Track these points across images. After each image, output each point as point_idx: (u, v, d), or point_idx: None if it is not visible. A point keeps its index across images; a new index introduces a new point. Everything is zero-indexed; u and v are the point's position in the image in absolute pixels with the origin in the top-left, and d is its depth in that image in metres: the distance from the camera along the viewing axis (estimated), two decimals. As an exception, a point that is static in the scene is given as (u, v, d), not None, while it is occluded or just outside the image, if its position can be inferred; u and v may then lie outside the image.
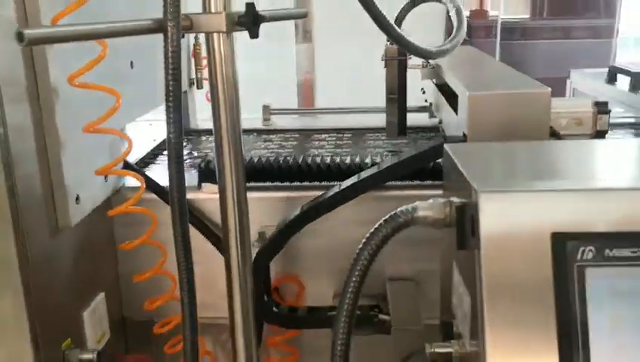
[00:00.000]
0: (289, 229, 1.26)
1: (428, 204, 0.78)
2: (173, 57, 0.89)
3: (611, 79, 1.71)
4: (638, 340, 0.63)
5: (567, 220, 0.65)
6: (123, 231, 1.40)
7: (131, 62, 1.43)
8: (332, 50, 3.58)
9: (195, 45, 1.97)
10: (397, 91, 1.69)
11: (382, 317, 1.27)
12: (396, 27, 1.05)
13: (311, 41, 3.78)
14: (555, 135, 1.13)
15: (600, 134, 1.23)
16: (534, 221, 0.65)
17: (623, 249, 0.64)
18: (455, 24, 1.25)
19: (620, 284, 0.64)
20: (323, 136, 1.88)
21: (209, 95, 1.06)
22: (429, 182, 1.37)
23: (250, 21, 0.93)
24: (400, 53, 1.65)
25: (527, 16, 6.14)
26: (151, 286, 1.36)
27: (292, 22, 3.58)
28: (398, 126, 1.69)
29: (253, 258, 1.19)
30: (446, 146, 0.85)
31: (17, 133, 1.02)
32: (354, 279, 0.84)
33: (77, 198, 1.17)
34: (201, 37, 1.88)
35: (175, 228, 0.97)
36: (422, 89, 1.96)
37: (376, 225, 0.82)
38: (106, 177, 1.30)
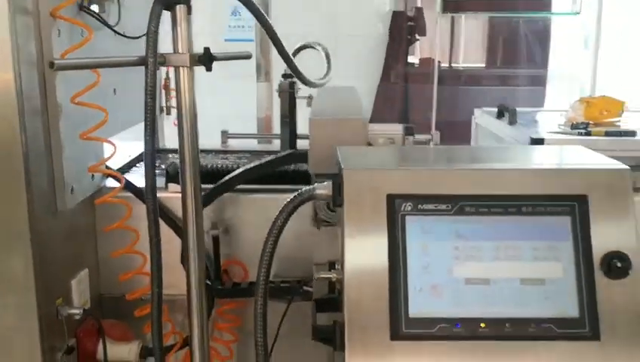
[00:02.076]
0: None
1: (322, 185, 1.18)
2: (151, 83, 1.28)
3: (500, 115, 2.15)
4: (435, 255, 1.03)
5: (397, 186, 1.05)
6: (102, 222, 1.75)
7: (114, 90, 1.81)
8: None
9: (165, 79, 2.37)
10: (288, 115, 2.18)
11: (306, 288, 1.64)
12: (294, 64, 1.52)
13: (270, 81, 4.16)
14: None
15: None
16: (377, 187, 1.05)
17: (429, 204, 1.04)
18: (326, 65, 1.67)
19: (426, 225, 1.04)
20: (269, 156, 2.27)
21: (176, 121, 1.44)
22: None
23: (207, 59, 1.33)
24: (290, 87, 2.16)
25: (484, 65, 6.79)
26: (123, 267, 1.71)
27: (254, 64, 3.99)
28: (290, 141, 2.17)
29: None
30: (337, 148, 1.25)
31: (32, 137, 1.38)
32: (271, 239, 1.22)
33: (72, 189, 1.53)
34: (171, 72, 2.28)
35: (148, 207, 1.35)
36: None
37: (288, 200, 1.21)
38: (92, 176, 1.67)
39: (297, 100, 2.29)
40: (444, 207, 1.05)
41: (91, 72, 1.50)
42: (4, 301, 1.40)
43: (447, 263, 1.04)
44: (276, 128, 3.98)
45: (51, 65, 1.13)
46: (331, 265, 1.24)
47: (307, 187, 1.21)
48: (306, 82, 1.79)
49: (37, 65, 1.40)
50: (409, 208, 1.04)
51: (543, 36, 5.93)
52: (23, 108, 1.34)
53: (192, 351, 1.52)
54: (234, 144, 2.55)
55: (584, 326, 1.02)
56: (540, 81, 5.76)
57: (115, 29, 1.73)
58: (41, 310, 1.43)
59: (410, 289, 1.02)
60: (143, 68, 1.29)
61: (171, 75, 2.30)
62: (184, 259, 1.47)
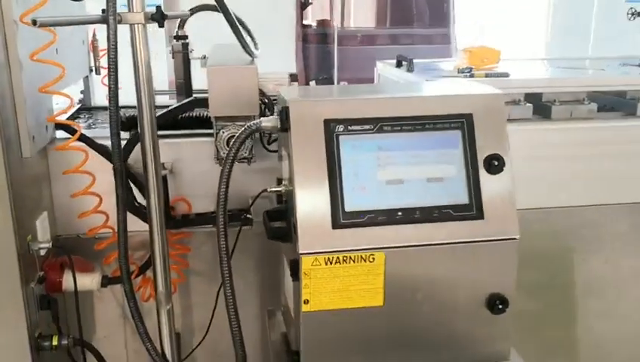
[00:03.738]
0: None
1: (267, 118, 1.46)
2: (113, 39, 1.50)
3: (398, 64, 2.49)
4: (362, 164, 1.34)
5: (331, 113, 1.35)
6: (55, 170, 1.94)
7: (56, 50, 1.97)
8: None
9: (92, 40, 2.51)
10: (182, 76, 2.34)
11: (247, 216, 1.92)
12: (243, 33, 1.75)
13: None
14: (263, 94, 1.83)
15: None
16: (316, 114, 1.35)
17: (356, 126, 1.35)
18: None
19: (355, 142, 1.35)
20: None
21: (104, 80, 1.63)
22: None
23: (159, 17, 1.55)
24: (184, 48, 2.30)
25: (373, 25, 7.16)
26: (77, 209, 1.92)
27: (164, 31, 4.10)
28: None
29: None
30: (280, 88, 1.53)
31: (1, 93, 1.56)
32: (227, 166, 1.48)
33: (33, 138, 1.71)
34: (99, 33, 2.43)
35: (113, 146, 1.57)
36: None
37: (237, 134, 1.47)
38: (47, 127, 1.85)
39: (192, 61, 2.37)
40: (368, 127, 1.36)
41: (45, 32, 1.68)
42: (-14, 239, 1.58)
43: (371, 170, 1.36)
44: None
45: (34, 22, 1.33)
46: (279, 181, 1.52)
47: (254, 121, 1.48)
48: (250, 53, 1.90)
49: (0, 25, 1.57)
50: (341, 129, 1.35)
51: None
52: (-9, 64, 1.51)
53: (155, 274, 1.77)
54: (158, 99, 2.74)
55: (472, 209, 1.37)
56: (445, 40, 6.18)
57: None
58: (17, 244, 1.62)
59: (345, 191, 1.33)
60: (74, 31, 1.45)
61: (99, 35, 2.45)
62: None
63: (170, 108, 1.95)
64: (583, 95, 2.21)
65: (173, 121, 2.01)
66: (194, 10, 1.79)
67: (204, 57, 2.36)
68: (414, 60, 2.41)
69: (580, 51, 4.58)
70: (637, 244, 2.33)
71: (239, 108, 1.79)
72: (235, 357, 1.61)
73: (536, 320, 2.40)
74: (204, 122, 2.02)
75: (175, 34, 2.34)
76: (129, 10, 1.56)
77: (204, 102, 1.83)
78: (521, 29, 5.83)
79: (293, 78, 1.91)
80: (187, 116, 2.03)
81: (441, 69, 2.46)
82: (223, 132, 1.81)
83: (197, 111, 2.05)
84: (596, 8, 4.52)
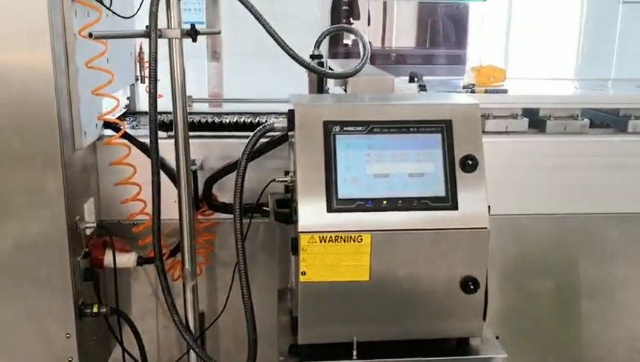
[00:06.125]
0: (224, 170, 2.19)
1: (278, 120, 1.73)
2: (153, 50, 1.79)
3: (411, 80, 2.74)
4: (354, 159, 1.59)
5: (330, 116, 1.61)
6: (101, 163, 2.24)
7: (107, 59, 2.28)
8: (237, 69, 4.38)
9: (139, 52, 2.83)
10: (316, 92, 2.39)
11: (265, 208, 2.18)
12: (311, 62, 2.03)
13: (219, 61, 4.58)
14: None
15: None
16: (317, 116, 1.60)
17: (350, 127, 1.61)
18: (362, 54, 2.08)
19: (349, 141, 1.61)
20: (227, 116, 2.79)
21: (147, 88, 1.89)
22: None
23: (193, 33, 1.84)
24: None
25: (413, 46, 7.51)
26: (119, 197, 2.21)
27: (204, 44, 4.42)
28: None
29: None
30: (290, 95, 1.79)
31: (61, 92, 1.86)
32: (245, 156, 1.75)
33: (85, 133, 2.01)
34: (144, 46, 2.74)
35: (151, 140, 1.86)
36: None
37: (252, 133, 1.74)
38: (96, 125, 2.15)
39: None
40: (360, 128, 1.61)
41: (98, 43, 1.98)
42: (43, 214, 1.88)
43: (362, 164, 1.60)
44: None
45: (90, 35, 1.63)
46: (286, 173, 1.78)
47: (269, 121, 1.75)
48: (326, 75, 2.14)
49: (62, 37, 1.87)
50: (337, 130, 1.60)
51: (462, 21, 6.67)
52: (55, 70, 1.82)
53: (182, 255, 2.05)
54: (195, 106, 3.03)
55: (448, 201, 1.60)
56: (460, 60, 6.46)
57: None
58: (68, 222, 1.91)
59: (339, 181, 1.58)
60: (123, 44, 1.73)
61: (144, 47, 2.76)
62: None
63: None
64: (578, 111, 2.41)
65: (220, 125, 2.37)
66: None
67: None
68: (427, 77, 2.65)
69: (607, 73, 4.73)
70: (627, 252, 2.50)
71: None
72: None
73: (533, 321, 2.59)
74: (247, 127, 2.35)
75: (311, 53, 2.42)
76: (168, 27, 1.86)
77: None
78: (553, 54, 6.01)
79: (422, 88, 2.25)
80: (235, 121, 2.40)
81: (450, 85, 2.70)
82: None
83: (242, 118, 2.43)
84: (619, 32, 4.68)
